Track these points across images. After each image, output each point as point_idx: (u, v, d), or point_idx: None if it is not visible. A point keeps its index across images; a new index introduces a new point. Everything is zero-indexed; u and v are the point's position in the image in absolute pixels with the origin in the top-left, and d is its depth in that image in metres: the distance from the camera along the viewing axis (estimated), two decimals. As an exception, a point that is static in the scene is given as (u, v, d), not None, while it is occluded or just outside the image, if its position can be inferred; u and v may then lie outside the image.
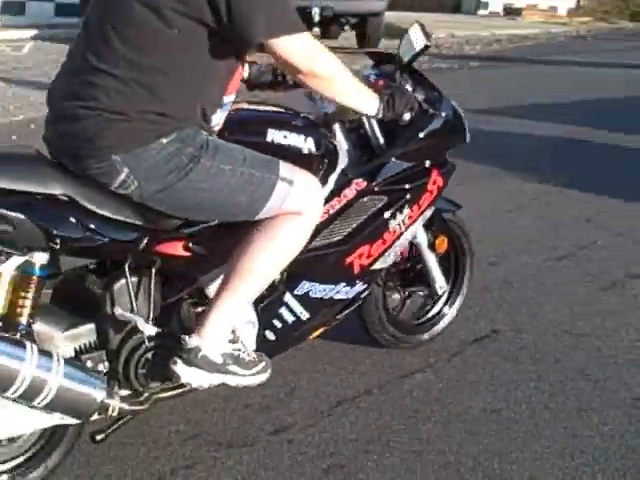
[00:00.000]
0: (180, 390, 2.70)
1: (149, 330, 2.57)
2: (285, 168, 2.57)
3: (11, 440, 2.53)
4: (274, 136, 2.75)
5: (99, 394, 2.42)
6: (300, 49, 2.40)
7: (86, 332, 2.58)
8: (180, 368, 2.56)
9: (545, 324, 3.86)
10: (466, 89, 8.85)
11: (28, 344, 2.34)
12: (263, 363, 2.74)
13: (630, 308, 4.10)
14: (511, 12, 21.65)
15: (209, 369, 2.59)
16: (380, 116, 2.71)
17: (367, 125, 3.01)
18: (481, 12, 21.45)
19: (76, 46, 2.46)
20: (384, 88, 2.80)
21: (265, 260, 2.56)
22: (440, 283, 3.47)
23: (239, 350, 2.69)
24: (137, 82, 2.31)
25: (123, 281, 2.58)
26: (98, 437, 2.58)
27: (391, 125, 2.92)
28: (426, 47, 2.87)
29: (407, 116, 2.82)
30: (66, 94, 2.39)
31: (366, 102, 2.67)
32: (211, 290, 2.72)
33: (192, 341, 2.56)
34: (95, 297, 2.61)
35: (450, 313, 3.66)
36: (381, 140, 3.02)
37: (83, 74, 2.35)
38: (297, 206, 2.57)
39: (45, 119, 2.51)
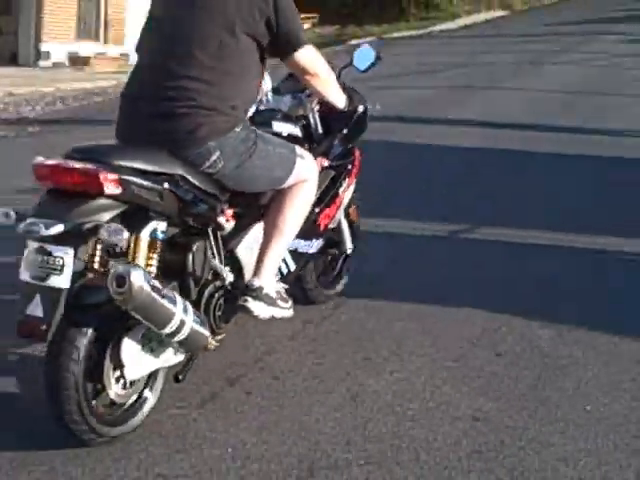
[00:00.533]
0: (224, 335, 3.40)
1: (230, 277, 3.39)
2: (297, 147, 3.53)
3: (134, 381, 2.99)
4: (276, 126, 3.66)
5: (207, 332, 3.09)
6: (311, 55, 3.39)
7: (171, 289, 3.01)
8: (251, 304, 3.37)
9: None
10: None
11: (173, 291, 2.95)
12: (291, 300, 3.63)
13: (228, 426, 3.14)
14: (78, 62, 17.98)
15: (269, 303, 3.43)
16: (345, 109, 3.70)
17: (312, 119, 3.84)
18: (43, 63, 17.60)
19: (150, 62, 3.24)
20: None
21: (294, 216, 3.49)
22: (349, 245, 4.34)
23: (281, 288, 3.60)
24: (218, 84, 3.14)
25: (203, 242, 3.24)
26: (180, 377, 3.17)
27: (326, 120, 3.85)
28: (378, 58, 3.96)
29: (361, 108, 3.85)
30: (157, 98, 3.12)
31: (341, 97, 3.69)
32: (240, 250, 3.49)
33: (256, 282, 3.40)
34: (175, 259, 3.15)
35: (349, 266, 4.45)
36: (320, 130, 3.87)
37: (172, 81, 3.11)
38: (306, 175, 3.51)
39: (121, 120, 3.22)
